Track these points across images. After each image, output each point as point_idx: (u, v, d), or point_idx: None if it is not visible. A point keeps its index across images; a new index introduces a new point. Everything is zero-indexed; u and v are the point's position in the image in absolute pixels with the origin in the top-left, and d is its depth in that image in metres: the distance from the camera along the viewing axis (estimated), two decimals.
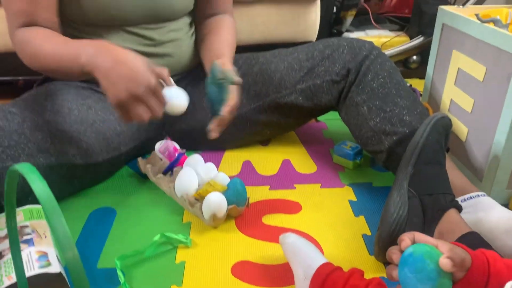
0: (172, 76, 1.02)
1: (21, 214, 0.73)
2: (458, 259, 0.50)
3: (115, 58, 0.72)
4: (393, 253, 0.55)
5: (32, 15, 0.84)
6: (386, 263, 0.66)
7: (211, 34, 1.01)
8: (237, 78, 0.85)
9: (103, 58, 0.73)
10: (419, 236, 0.55)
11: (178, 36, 0.99)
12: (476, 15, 0.88)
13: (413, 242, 0.55)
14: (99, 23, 0.89)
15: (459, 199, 0.77)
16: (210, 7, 1.04)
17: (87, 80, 0.94)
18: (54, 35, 0.84)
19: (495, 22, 0.85)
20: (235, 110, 0.89)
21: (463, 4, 1.26)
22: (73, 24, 0.90)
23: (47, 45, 0.81)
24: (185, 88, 1.05)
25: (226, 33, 1.01)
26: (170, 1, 0.93)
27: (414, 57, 1.57)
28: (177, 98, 0.80)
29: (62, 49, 0.79)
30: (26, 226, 0.69)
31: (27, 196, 0.77)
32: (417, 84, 1.45)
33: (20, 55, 0.86)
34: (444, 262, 0.48)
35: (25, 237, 0.67)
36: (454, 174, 0.82)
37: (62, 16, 0.88)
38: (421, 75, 1.32)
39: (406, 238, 0.55)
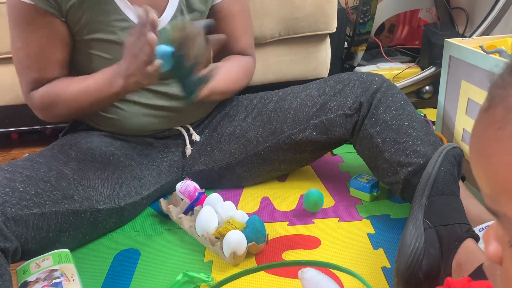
0: (190, 124, 1.07)
1: (50, 258, 0.76)
2: None
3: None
4: None
5: (43, 81, 0.92)
6: None
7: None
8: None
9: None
10: None
11: None
12: (481, 46, 0.91)
13: None
14: None
15: (477, 228, 0.78)
16: (225, 50, 1.06)
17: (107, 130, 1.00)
18: (68, 78, 0.93)
19: (500, 52, 0.87)
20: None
21: (470, 35, 1.29)
22: None
23: (73, 86, 0.89)
24: (202, 131, 1.10)
25: (230, 62, 1.02)
26: None
27: (427, 87, 1.59)
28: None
29: (89, 82, 0.87)
30: (56, 270, 0.73)
31: (54, 243, 0.81)
32: (431, 113, 1.46)
33: (42, 110, 0.94)
34: None
35: (54, 281, 0.70)
36: (471, 202, 0.82)
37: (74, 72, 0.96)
38: (435, 105, 1.33)
39: None
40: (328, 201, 1.04)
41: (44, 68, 0.91)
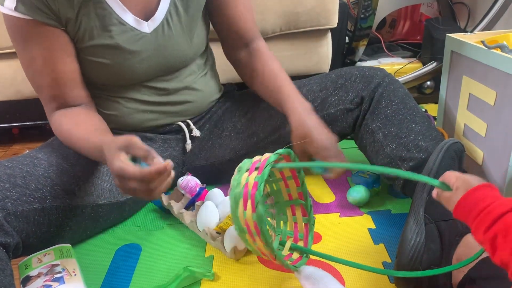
0: (191, 119, 1.06)
1: (52, 253, 0.76)
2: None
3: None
4: None
5: (62, 99, 0.89)
6: None
7: (264, 76, 1.00)
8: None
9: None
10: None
11: (192, 80, 1.02)
12: (482, 41, 0.90)
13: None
14: (116, 84, 0.95)
15: None
16: (240, 39, 1.03)
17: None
18: (84, 120, 0.89)
19: (501, 47, 0.87)
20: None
21: (471, 31, 1.28)
22: (94, 84, 0.94)
23: (77, 132, 0.86)
24: (203, 126, 1.09)
25: (280, 72, 1.01)
26: (181, 52, 0.96)
27: (428, 83, 1.58)
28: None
29: (88, 139, 0.84)
30: (57, 265, 0.73)
31: (55, 238, 0.81)
32: (432, 109, 1.46)
33: (56, 134, 0.92)
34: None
35: (56, 275, 0.70)
36: None
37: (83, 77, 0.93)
38: (437, 100, 1.33)
39: None
40: (329, 196, 1.04)
41: (56, 83, 0.87)
